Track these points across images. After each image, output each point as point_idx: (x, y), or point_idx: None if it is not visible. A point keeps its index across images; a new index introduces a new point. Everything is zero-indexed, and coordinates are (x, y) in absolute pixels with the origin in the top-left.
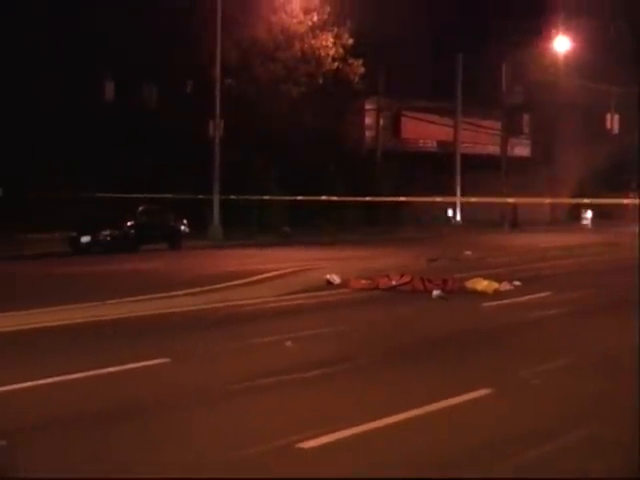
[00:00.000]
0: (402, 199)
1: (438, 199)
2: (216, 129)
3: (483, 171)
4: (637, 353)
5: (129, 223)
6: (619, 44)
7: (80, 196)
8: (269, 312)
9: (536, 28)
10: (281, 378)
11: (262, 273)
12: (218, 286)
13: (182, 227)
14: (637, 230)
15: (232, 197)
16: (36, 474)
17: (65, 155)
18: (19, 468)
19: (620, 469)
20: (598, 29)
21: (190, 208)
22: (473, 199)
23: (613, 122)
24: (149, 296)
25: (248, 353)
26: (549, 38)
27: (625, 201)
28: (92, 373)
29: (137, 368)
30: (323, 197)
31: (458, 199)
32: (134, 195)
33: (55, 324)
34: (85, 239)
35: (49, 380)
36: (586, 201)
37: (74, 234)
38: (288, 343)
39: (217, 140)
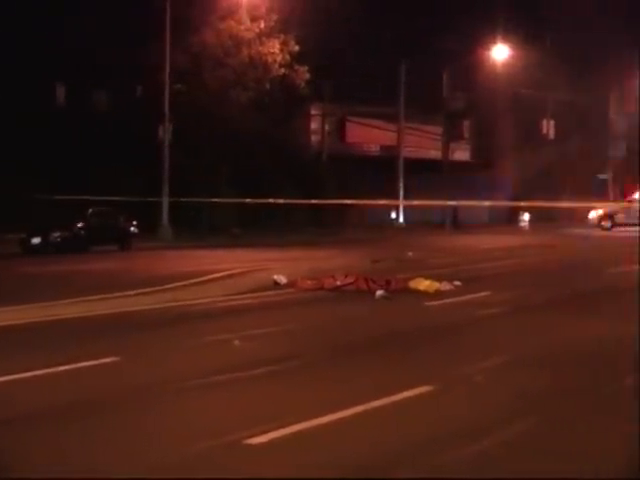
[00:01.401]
0: (347, 202)
1: (382, 202)
2: (165, 132)
3: (425, 175)
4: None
5: (79, 224)
6: (555, 53)
7: (32, 198)
8: (219, 311)
9: (476, 36)
10: (230, 376)
11: (212, 273)
12: (169, 286)
13: (132, 228)
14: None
15: (181, 199)
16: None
17: (17, 157)
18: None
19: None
20: (535, 38)
21: (140, 210)
22: (415, 202)
23: (549, 128)
24: (101, 296)
25: (198, 351)
26: (488, 46)
27: (559, 204)
28: (43, 372)
29: (88, 367)
30: (271, 200)
31: (401, 202)
32: (85, 197)
33: (7, 324)
34: (35, 240)
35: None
36: (523, 204)
37: (24, 235)
38: (237, 342)
39: (166, 143)
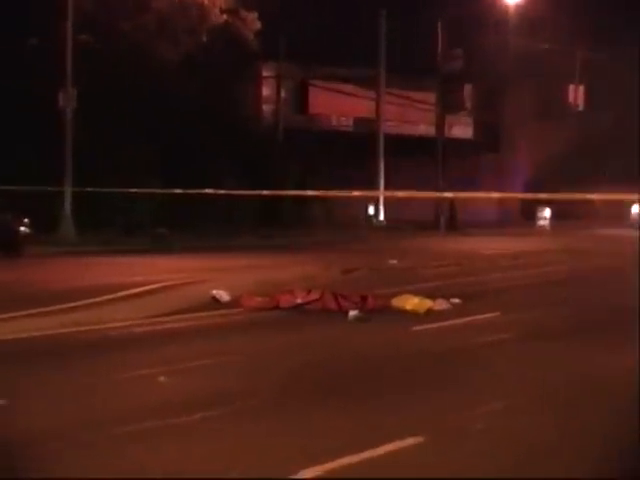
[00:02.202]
0: (310, 193)
1: (356, 193)
2: (68, 99)
3: (413, 157)
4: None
5: None
6: None
7: None
8: (137, 338)
9: None
10: (145, 425)
11: (128, 288)
12: (70, 305)
13: (22, 228)
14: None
15: (89, 189)
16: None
17: None
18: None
19: None
20: None
21: (35, 203)
22: (400, 193)
23: (577, 95)
24: None
25: (107, 392)
26: None
27: (591, 196)
28: None
29: None
30: (208, 190)
31: (381, 193)
32: None
33: None
34: None
35: None
36: (543, 196)
37: None
38: (161, 378)
39: (69, 114)
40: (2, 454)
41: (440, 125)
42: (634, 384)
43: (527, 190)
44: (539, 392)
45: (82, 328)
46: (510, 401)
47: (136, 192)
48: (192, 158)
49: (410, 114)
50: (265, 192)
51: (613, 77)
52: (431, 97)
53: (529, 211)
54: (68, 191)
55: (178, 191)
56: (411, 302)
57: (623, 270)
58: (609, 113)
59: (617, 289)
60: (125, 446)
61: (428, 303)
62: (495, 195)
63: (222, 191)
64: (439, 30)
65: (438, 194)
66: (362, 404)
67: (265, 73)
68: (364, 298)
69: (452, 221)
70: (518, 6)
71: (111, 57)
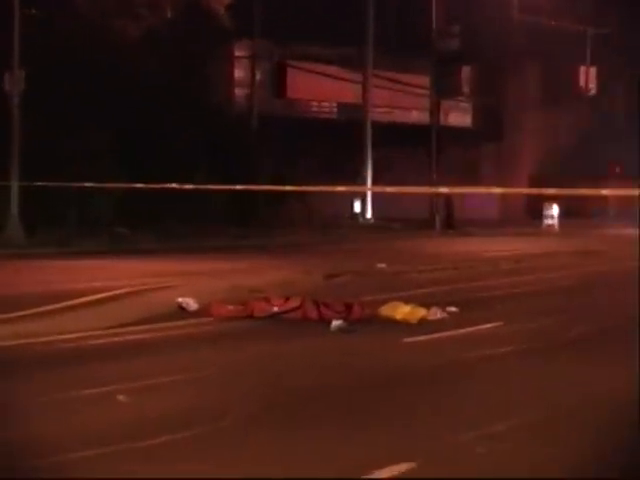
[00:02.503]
0: (289, 188)
1: (340, 188)
2: (14, 82)
3: (405, 148)
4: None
5: None
6: None
7: None
8: (95, 352)
9: None
10: (102, 451)
11: (86, 295)
12: (22, 314)
13: None
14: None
15: (38, 183)
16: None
17: None
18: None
19: None
20: None
21: None
22: (390, 189)
23: (589, 78)
24: None
25: (60, 411)
26: None
27: (604, 192)
28: None
29: None
30: (174, 185)
31: (369, 188)
32: None
33: None
34: None
35: None
36: (551, 192)
37: None
38: (121, 397)
39: (15, 99)
40: None
41: (435, 111)
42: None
43: (532, 185)
44: (546, 412)
45: (37, 339)
46: (514, 422)
47: (92, 186)
48: (156, 149)
49: (401, 99)
50: (238, 187)
51: (630, 58)
52: (425, 80)
53: (535, 208)
54: (15, 186)
55: (140, 185)
56: (402, 311)
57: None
58: (623, 98)
59: (633, 296)
60: (76, 474)
61: (421, 312)
62: (497, 190)
63: (190, 186)
64: (433, 4)
65: (433, 189)
66: (346, 427)
67: (238, 53)
68: (349, 306)
69: (449, 219)
70: None
71: (63, 34)
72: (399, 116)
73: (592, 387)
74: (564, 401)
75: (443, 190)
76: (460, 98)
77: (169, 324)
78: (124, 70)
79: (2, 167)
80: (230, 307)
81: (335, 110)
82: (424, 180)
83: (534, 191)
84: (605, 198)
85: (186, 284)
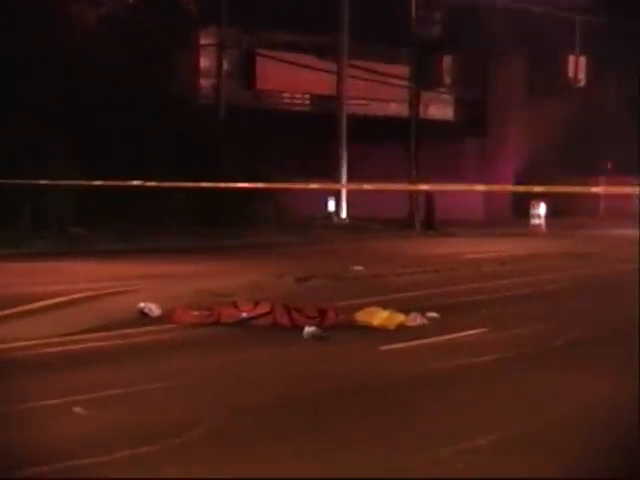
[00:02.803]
0: (258, 185)
1: (313, 186)
2: None
3: (383, 142)
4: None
5: None
6: None
7: None
8: (52, 360)
9: None
10: (56, 466)
11: (38, 300)
12: None
13: None
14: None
15: None
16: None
17: None
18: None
19: None
20: None
21: None
22: (367, 186)
23: (578, 68)
24: None
25: (13, 424)
26: None
27: (596, 189)
28: None
29: None
30: (134, 182)
31: (343, 185)
32: None
33: None
34: None
35: None
36: (538, 189)
37: None
38: (77, 409)
39: None
40: None
41: (414, 104)
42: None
43: (519, 182)
44: (531, 426)
45: None
46: (497, 436)
47: (47, 184)
48: (116, 142)
49: (378, 91)
50: (204, 184)
51: (623, 46)
52: (404, 70)
53: (521, 207)
54: None
55: (98, 183)
56: (379, 316)
57: (633, 278)
58: (615, 90)
59: (627, 301)
60: None
61: (399, 318)
62: (480, 188)
63: (152, 183)
64: None
65: (412, 187)
66: (318, 441)
67: (204, 40)
68: (323, 312)
69: (429, 219)
70: None
71: (12, 20)
72: (376, 109)
73: (583, 397)
74: (553, 412)
75: (423, 187)
76: (441, 89)
77: (130, 331)
78: (81, 59)
79: None
80: (195, 313)
81: (308, 102)
82: (403, 177)
83: (520, 189)
84: (597, 196)
85: (148, 288)
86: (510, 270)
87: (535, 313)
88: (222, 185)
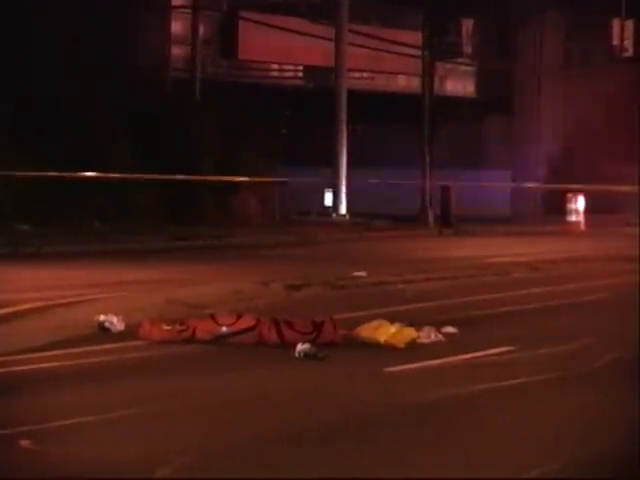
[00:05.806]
0: (241, 179)
1: (308, 178)
2: None
3: (390, 123)
4: None
5: None
6: None
7: None
8: None
9: None
10: None
11: None
12: None
13: None
14: None
15: None
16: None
17: None
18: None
19: None
20: None
21: None
22: (372, 179)
23: (624, 34)
24: None
25: None
26: None
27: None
28: None
29: None
30: (94, 173)
31: (343, 176)
32: None
33: None
34: None
35: None
36: (575, 187)
37: None
38: (24, 442)
39: None
40: None
41: (428, 77)
42: None
43: (551, 170)
44: (564, 461)
45: None
46: (527, 474)
47: None
48: (71, 125)
49: (385, 61)
50: (179, 177)
51: None
52: (416, 37)
53: (554, 200)
54: None
55: (54, 174)
56: (386, 332)
57: None
58: None
59: None
60: None
61: (410, 333)
62: (506, 185)
63: (116, 174)
64: None
65: (427, 178)
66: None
67: (176, 1)
68: (318, 326)
69: (445, 215)
70: None
71: None
72: (382, 83)
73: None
74: (587, 448)
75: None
76: (460, 60)
77: (87, 349)
78: (29, 25)
79: None
80: (166, 327)
81: (300, 75)
82: (414, 164)
83: (551, 187)
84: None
85: (109, 298)
86: (543, 277)
87: (571, 329)
88: (198, 178)
